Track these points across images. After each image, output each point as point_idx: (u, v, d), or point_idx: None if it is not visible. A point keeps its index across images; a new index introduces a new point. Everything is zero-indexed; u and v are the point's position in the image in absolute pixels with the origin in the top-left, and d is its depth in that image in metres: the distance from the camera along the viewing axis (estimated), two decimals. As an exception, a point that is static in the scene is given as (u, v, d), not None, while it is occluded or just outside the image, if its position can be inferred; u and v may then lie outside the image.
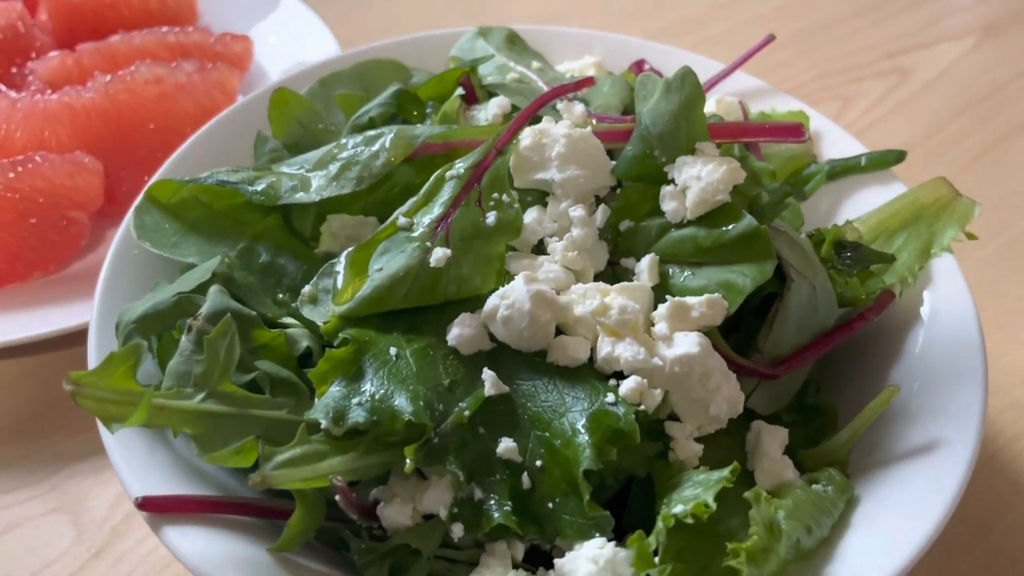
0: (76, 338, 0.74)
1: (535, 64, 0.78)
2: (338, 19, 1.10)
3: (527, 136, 0.61)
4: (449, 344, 0.55)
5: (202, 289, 0.55)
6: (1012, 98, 1.14)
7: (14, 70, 0.92)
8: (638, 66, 0.80)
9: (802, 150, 0.74)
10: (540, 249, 0.61)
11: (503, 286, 0.57)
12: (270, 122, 0.72)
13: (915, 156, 1.04)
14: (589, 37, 0.84)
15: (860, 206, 0.71)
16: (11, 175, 0.77)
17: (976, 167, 1.03)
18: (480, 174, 0.60)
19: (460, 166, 0.60)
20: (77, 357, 0.78)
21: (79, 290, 0.80)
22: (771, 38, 0.78)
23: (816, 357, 0.60)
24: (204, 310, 0.52)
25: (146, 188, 0.63)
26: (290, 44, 1.04)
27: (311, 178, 0.62)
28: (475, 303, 0.58)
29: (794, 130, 0.59)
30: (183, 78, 0.85)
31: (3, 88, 0.89)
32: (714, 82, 0.79)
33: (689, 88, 0.58)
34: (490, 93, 0.71)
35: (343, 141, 0.63)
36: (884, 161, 0.71)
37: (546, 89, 0.72)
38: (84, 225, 0.81)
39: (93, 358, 0.55)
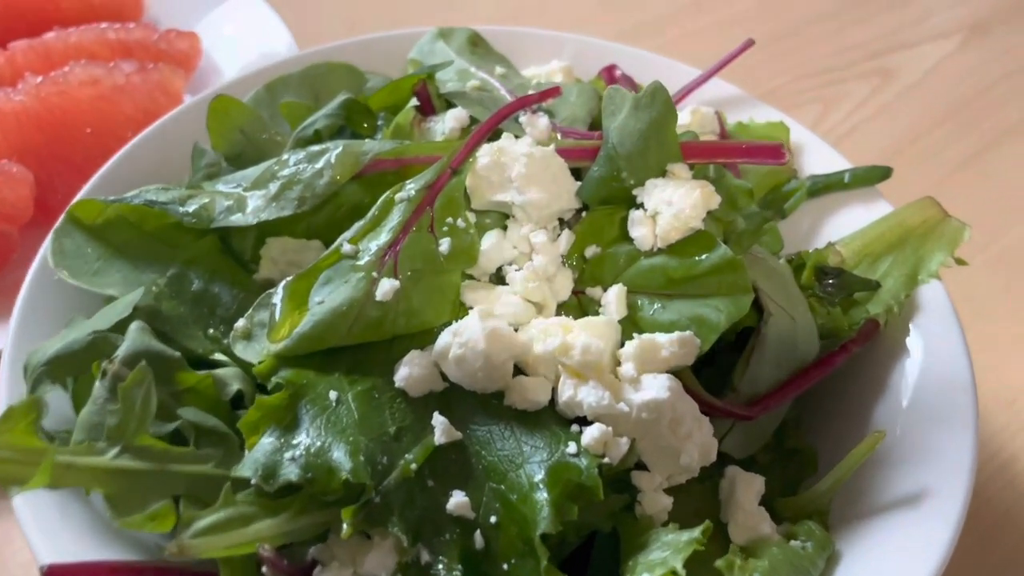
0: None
1: (499, 70, 0.72)
2: (295, 14, 1.04)
3: (485, 154, 0.56)
4: (397, 386, 0.50)
5: (122, 326, 0.50)
6: (999, 100, 1.10)
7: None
8: (608, 72, 0.75)
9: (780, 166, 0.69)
10: (499, 277, 0.56)
11: (457, 319, 0.53)
12: (209, 132, 0.66)
13: (900, 161, 0.99)
14: (558, 39, 0.79)
15: (843, 226, 0.66)
16: (-69, 186, 0.71)
17: (963, 173, 1.00)
18: (433, 196, 0.55)
19: (411, 187, 0.55)
20: None
21: (6, 310, 0.75)
22: (750, 43, 0.74)
23: (795, 395, 0.56)
24: (121, 352, 0.47)
25: (67, 208, 0.57)
26: (245, 40, 0.98)
27: (248, 198, 0.57)
28: (426, 338, 0.53)
29: (774, 151, 0.54)
30: (121, 79, 0.79)
31: (-73, 88, 0.82)
32: (689, 90, 0.74)
33: (660, 106, 0.53)
34: (448, 103, 0.66)
35: (284, 157, 0.58)
36: (869, 178, 0.67)
37: (509, 99, 0.67)
38: (12, 239, 0.75)
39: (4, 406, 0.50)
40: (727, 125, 0.71)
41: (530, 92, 0.68)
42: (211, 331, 0.54)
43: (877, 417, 0.58)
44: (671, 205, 0.53)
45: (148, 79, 0.80)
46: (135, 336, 0.49)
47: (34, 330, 0.55)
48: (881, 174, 0.67)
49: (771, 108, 0.73)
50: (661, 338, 0.50)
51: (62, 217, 0.57)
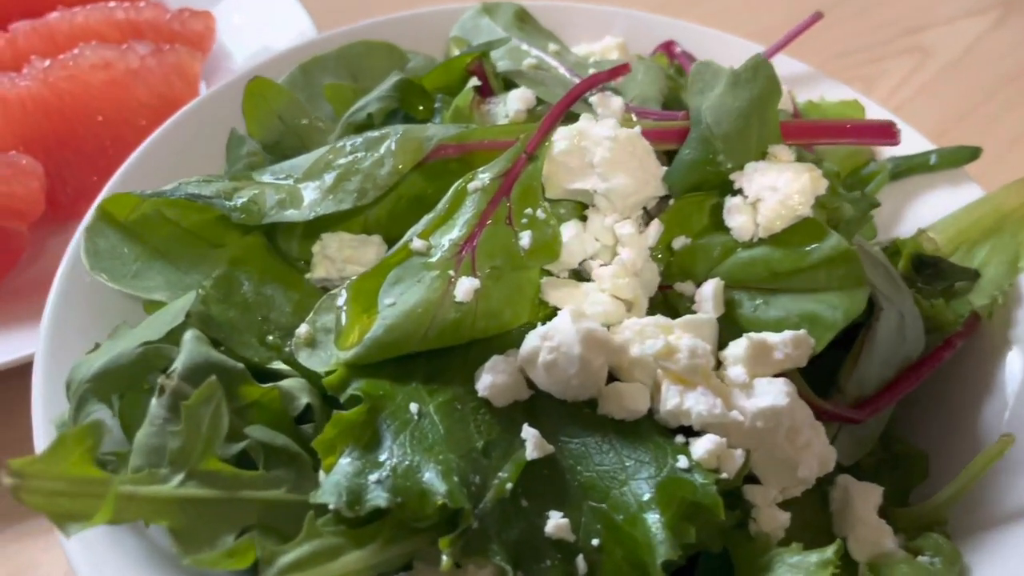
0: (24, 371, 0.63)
1: (551, 47, 0.67)
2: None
3: (563, 138, 0.51)
4: (479, 395, 0.45)
5: (174, 335, 0.44)
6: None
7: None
8: (667, 48, 0.70)
9: (859, 146, 0.64)
10: (579, 272, 0.51)
11: (539, 319, 0.48)
12: (245, 118, 0.61)
13: (948, 140, 0.96)
14: (608, 14, 0.74)
15: (930, 211, 0.62)
16: (-67, 180, 0.65)
17: (1017, 151, 0.96)
18: (509, 185, 0.49)
19: (484, 176, 0.49)
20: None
21: (20, 310, 0.69)
22: (818, 16, 0.69)
23: (903, 395, 0.52)
24: (179, 365, 0.42)
25: (98, 203, 0.52)
26: (256, 20, 0.92)
27: (302, 190, 0.52)
28: (506, 341, 0.48)
29: (886, 130, 0.49)
30: (135, 62, 0.73)
31: (-78, 74, 0.76)
32: (752, 66, 0.69)
33: (763, 81, 0.48)
34: (506, 82, 0.61)
35: (339, 144, 0.53)
36: (956, 158, 0.62)
37: (571, 77, 0.62)
38: (23, 236, 0.69)
39: (40, 432, 0.44)
40: (798, 105, 0.67)
41: (591, 70, 0.63)
42: (270, 338, 0.48)
43: (984, 417, 0.54)
44: (776, 191, 0.48)
45: (164, 62, 0.74)
46: (192, 346, 0.43)
47: (68, 340, 0.49)
48: (970, 154, 0.63)
49: (843, 85, 0.69)
50: (773, 338, 0.46)
51: (92, 213, 0.51)
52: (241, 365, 0.44)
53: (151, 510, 0.39)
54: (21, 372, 0.66)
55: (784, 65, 0.71)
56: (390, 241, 0.53)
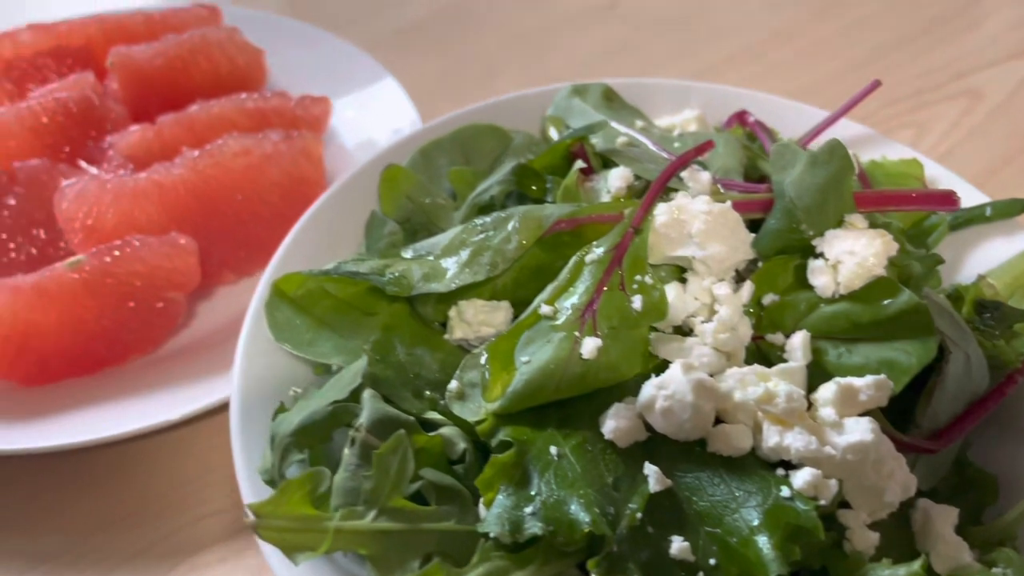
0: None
1: (638, 123, 0.76)
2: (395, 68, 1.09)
3: (663, 213, 0.60)
4: (606, 438, 0.54)
5: (354, 394, 0.53)
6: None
7: (90, 143, 0.90)
8: (740, 118, 0.78)
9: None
10: (681, 328, 0.59)
11: (650, 370, 0.56)
12: (381, 199, 0.70)
13: (996, 182, 1.03)
14: (684, 88, 0.82)
15: (986, 258, 0.69)
16: (107, 259, 0.76)
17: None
18: (620, 256, 0.58)
19: (599, 250, 0.58)
20: (174, 440, 0.77)
21: (177, 370, 0.79)
22: (876, 84, 0.76)
23: (972, 427, 0.59)
24: (364, 420, 0.51)
25: (272, 283, 0.61)
26: (355, 98, 1.02)
27: (443, 265, 0.61)
28: (623, 390, 0.56)
29: (947, 199, 0.57)
30: (270, 148, 0.83)
31: (84, 164, 0.87)
32: (818, 131, 0.77)
33: (838, 161, 0.56)
34: (604, 160, 0.70)
35: (471, 225, 0.62)
36: (1009, 210, 0.69)
37: (658, 151, 0.71)
38: (181, 304, 0.79)
39: (243, 477, 0.53)
40: (863, 166, 0.74)
41: (676, 144, 0.72)
42: (427, 392, 0.57)
43: (1048, 442, 0.60)
44: (853, 254, 0.56)
45: (293, 146, 0.84)
46: (372, 404, 0.52)
47: (252, 400, 0.59)
48: (1021, 206, 0.70)
49: (902, 145, 0.76)
50: (858, 382, 0.53)
51: (269, 292, 0.61)
52: (412, 418, 0.53)
53: (354, 541, 0.47)
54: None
55: (845, 128, 0.80)
56: (515, 305, 0.62)
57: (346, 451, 0.50)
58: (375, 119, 1.00)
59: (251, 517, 0.45)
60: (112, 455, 0.76)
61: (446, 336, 0.62)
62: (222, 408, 0.74)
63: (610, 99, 0.80)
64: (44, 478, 0.75)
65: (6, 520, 0.73)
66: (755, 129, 0.77)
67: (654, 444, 0.54)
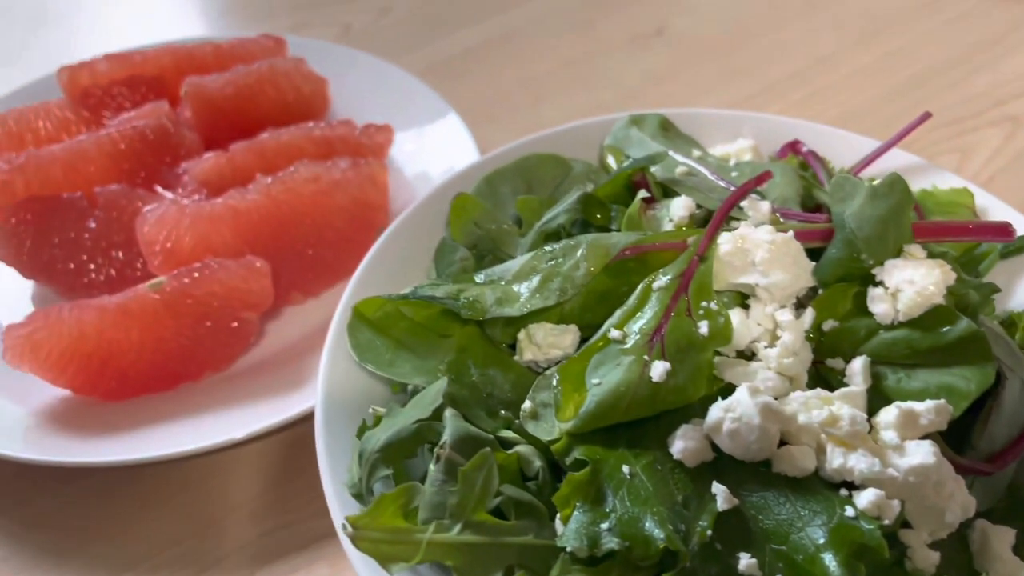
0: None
1: (695, 152, 0.79)
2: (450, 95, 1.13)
3: (727, 242, 0.62)
4: (675, 457, 0.56)
5: (436, 413, 0.57)
6: None
7: (164, 169, 0.94)
8: (793, 147, 0.81)
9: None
10: (743, 352, 0.62)
11: (714, 392, 0.59)
12: (451, 227, 0.73)
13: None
14: (738, 118, 0.85)
15: (1036, 286, 0.71)
16: (187, 281, 0.79)
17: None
18: (686, 283, 0.61)
19: (665, 277, 0.61)
20: (248, 453, 0.80)
21: (251, 386, 0.82)
22: (927, 116, 0.79)
23: (1027, 450, 0.61)
24: (447, 438, 0.54)
25: (352, 306, 0.65)
26: (411, 124, 1.05)
27: (514, 290, 0.64)
28: (689, 411, 0.59)
29: (1002, 230, 0.59)
30: (338, 174, 0.87)
31: (160, 189, 0.91)
32: (868, 161, 0.79)
33: (899, 195, 0.59)
34: (664, 189, 0.73)
35: (541, 251, 0.65)
36: (1061, 239, 0.71)
37: (716, 180, 0.73)
38: (254, 324, 0.83)
39: (331, 491, 0.56)
40: (915, 194, 0.76)
41: (733, 173, 0.75)
42: (503, 412, 0.60)
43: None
44: (913, 283, 0.58)
45: (360, 173, 0.88)
46: (453, 422, 0.55)
47: (334, 418, 0.62)
48: (1070, 235, 0.71)
49: (951, 174, 0.78)
50: (918, 406, 0.56)
51: (352, 315, 0.64)
52: (492, 436, 0.56)
53: (442, 553, 0.50)
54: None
55: (895, 157, 0.82)
56: (582, 328, 0.65)
57: (431, 467, 0.53)
58: (430, 143, 1.03)
59: (348, 528, 0.48)
60: (188, 467, 0.80)
61: (515, 357, 0.64)
62: (294, 423, 0.77)
63: (666, 129, 0.82)
64: (126, 489, 0.79)
65: (90, 529, 0.76)
66: (808, 158, 0.79)
67: (720, 464, 0.57)
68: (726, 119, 0.85)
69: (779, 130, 0.84)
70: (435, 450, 0.53)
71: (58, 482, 0.79)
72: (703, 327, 0.59)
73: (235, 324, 0.81)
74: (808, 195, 0.73)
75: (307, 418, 0.77)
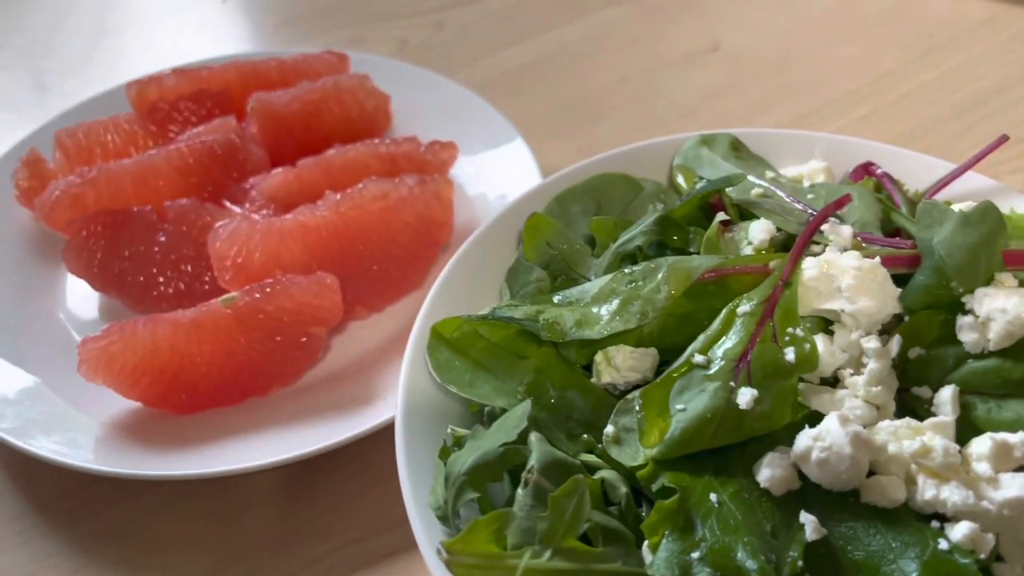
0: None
1: (768, 173, 0.78)
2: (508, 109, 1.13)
3: (812, 267, 0.62)
4: (762, 486, 0.56)
5: (521, 436, 0.56)
6: None
7: (231, 184, 0.95)
8: (867, 170, 0.80)
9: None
10: (825, 379, 0.61)
11: (798, 419, 0.58)
12: (524, 246, 0.73)
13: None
14: (809, 139, 0.84)
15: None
16: (258, 295, 0.80)
17: None
18: (771, 308, 0.60)
19: (750, 303, 0.60)
20: (313, 468, 0.80)
21: (317, 401, 0.83)
22: (1004, 138, 0.77)
23: (1120, 483, 0.59)
24: (535, 463, 0.54)
25: (431, 326, 0.65)
26: (469, 139, 1.05)
27: (594, 312, 0.63)
28: (774, 438, 0.58)
29: (1098, 259, 0.58)
30: (405, 191, 0.87)
31: (228, 204, 0.92)
32: (943, 184, 0.78)
33: (991, 223, 0.58)
34: (740, 210, 0.72)
35: (621, 273, 0.65)
36: None
37: (792, 203, 0.73)
38: (323, 339, 0.84)
39: (414, 513, 0.56)
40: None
41: (809, 195, 0.74)
42: (584, 436, 0.60)
43: None
44: (1005, 312, 0.57)
45: (426, 190, 0.88)
46: (539, 447, 0.55)
47: (414, 438, 0.62)
48: None
49: (1028, 197, 0.77)
50: (1012, 438, 0.55)
51: (430, 335, 0.64)
52: (578, 462, 0.56)
53: (532, 578, 0.50)
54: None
55: (970, 180, 0.81)
56: (660, 352, 0.64)
57: (519, 492, 0.53)
58: (489, 160, 1.04)
59: (443, 554, 0.48)
60: (255, 481, 0.80)
61: (592, 380, 0.64)
62: (359, 439, 0.77)
63: (737, 149, 0.82)
64: (194, 503, 0.79)
65: (159, 542, 0.77)
66: (883, 181, 0.78)
67: (807, 493, 0.56)
68: (796, 139, 0.84)
69: (850, 151, 0.83)
70: (523, 475, 0.53)
71: (129, 494, 0.80)
72: (789, 353, 0.58)
73: (304, 339, 0.82)
74: (886, 219, 0.72)
75: (374, 434, 0.78)
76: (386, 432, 0.78)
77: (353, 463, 0.81)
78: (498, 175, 1.02)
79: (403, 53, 1.35)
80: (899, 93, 1.25)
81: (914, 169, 0.81)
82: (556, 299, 0.66)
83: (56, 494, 0.80)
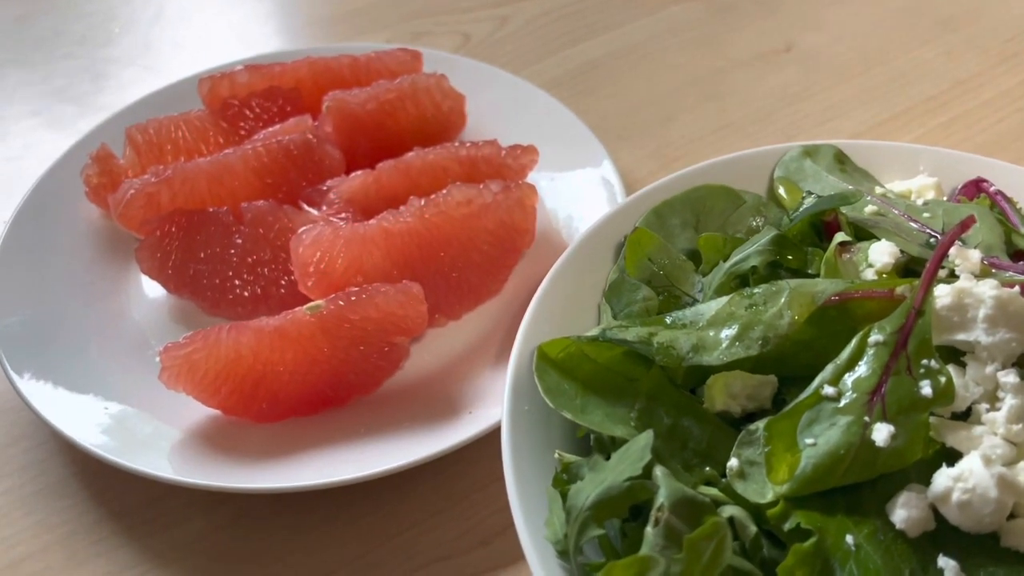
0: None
1: (877, 189, 0.75)
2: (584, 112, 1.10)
3: (946, 295, 0.59)
4: (897, 527, 0.53)
5: (646, 469, 0.54)
6: None
7: (305, 185, 0.93)
8: (978, 186, 0.77)
9: None
10: (956, 414, 0.58)
11: (929, 456, 0.55)
12: (627, 262, 0.70)
13: None
14: (914, 152, 0.81)
15: None
16: (342, 304, 0.78)
17: None
18: (905, 339, 0.57)
19: (882, 332, 0.57)
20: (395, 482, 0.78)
21: (396, 412, 0.81)
22: None
23: None
24: (664, 500, 0.51)
25: (538, 348, 0.62)
26: (545, 144, 1.02)
27: (711, 337, 0.61)
28: (904, 475, 0.55)
29: None
30: (489, 198, 0.85)
31: (305, 207, 0.90)
32: (1060, 201, 0.75)
33: None
34: (855, 229, 0.69)
35: (740, 296, 0.62)
36: None
37: (909, 223, 0.70)
38: (405, 349, 0.81)
39: (529, 546, 0.54)
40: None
41: (924, 214, 0.71)
42: (707, 468, 0.57)
43: None
44: None
45: (510, 196, 0.85)
46: (667, 482, 0.52)
47: (522, 465, 0.59)
48: None
49: None
50: None
51: (537, 357, 0.62)
52: (708, 499, 0.53)
53: (668, 622, 0.48)
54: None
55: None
56: (778, 380, 0.61)
57: (649, 530, 0.50)
58: (565, 163, 1.01)
59: (581, 599, 0.45)
60: (334, 495, 0.78)
61: (705, 406, 0.61)
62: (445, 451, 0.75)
63: (842, 162, 0.79)
64: (273, 515, 0.77)
65: (238, 555, 0.75)
66: (996, 199, 0.75)
67: (942, 535, 0.53)
68: (902, 152, 0.81)
69: (958, 166, 0.79)
70: (653, 513, 0.51)
71: (207, 505, 0.78)
72: (925, 387, 0.55)
73: (386, 349, 0.80)
74: (1008, 240, 0.69)
75: (461, 448, 0.76)
76: (470, 445, 0.76)
77: (438, 476, 0.79)
78: (575, 178, 0.99)
79: (467, 48, 1.32)
80: (980, 100, 1.21)
81: (1020, 184, 0.78)
82: (668, 320, 0.63)
83: (134, 503, 0.78)
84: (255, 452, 0.78)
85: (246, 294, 0.86)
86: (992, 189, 0.76)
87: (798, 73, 1.26)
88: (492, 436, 0.75)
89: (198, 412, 0.80)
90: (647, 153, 1.12)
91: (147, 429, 0.79)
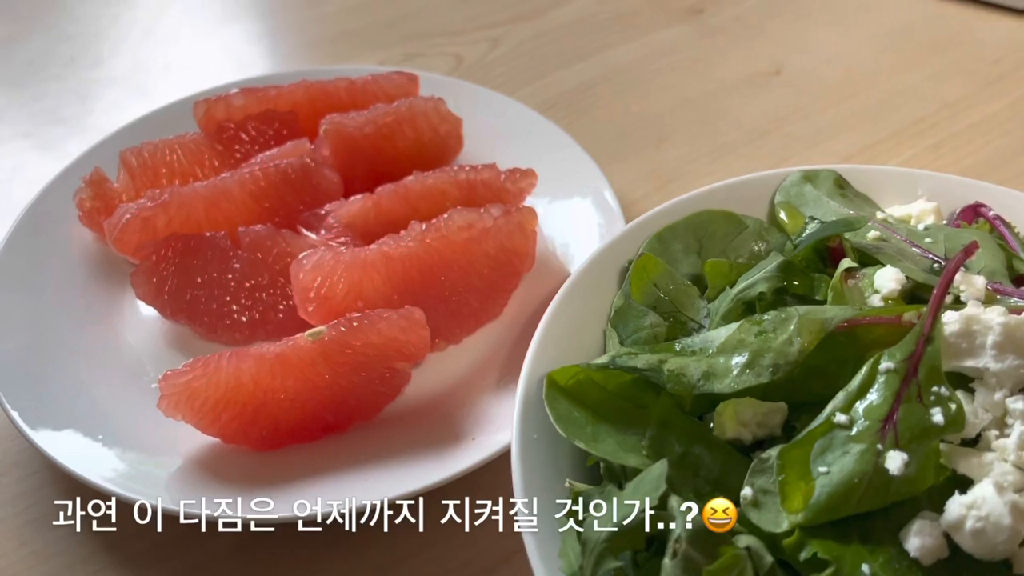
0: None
1: (878, 214, 0.76)
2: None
3: (955, 321, 0.59)
4: (911, 555, 0.53)
5: (661, 500, 0.53)
6: None
7: (302, 209, 0.92)
8: (976, 211, 0.77)
9: None
10: (965, 440, 0.58)
11: (940, 482, 0.55)
12: (632, 288, 0.70)
13: None
14: (912, 176, 0.81)
15: None
16: (344, 330, 0.77)
17: None
18: (915, 366, 0.57)
19: (893, 359, 0.58)
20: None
21: (392, 437, 0.80)
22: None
23: None
24: (681, 532, 0.51)
25: (547, 376, 0.62)
26: (541, 167, 1.02)
27: (721, 364, 0.61)
28: (916, 502, 0.55)
29: None
30: (490, 222, 0.85)
31: (303, 231, 0.89)
32: (1057, 226, 0.76)
33: None
34: (859, 254, 0.69)
35: (749, 322, 0.62)
36: None
37: (912, 248, 0.70)
38: (407, 374, 0.81)
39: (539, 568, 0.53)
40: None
41: (927, 239, 0.71)
42: (720, 497, 0.57)
43: None
44: None
45: (510, 221, 0.85)
46: (683, 513, 0.52)
47: (535, 492, 0.59)
48: None
49: None
50: None
51: (546, 385, 0.61)
52: (723, 532, 0.53)
53: (687, 658, 0.47)
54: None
55: (1085, 223, 0.78)
56: (788, 407, 0.61)
57: (667, 562, 0.50)
58: (561, 186, 1.01)
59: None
60: (339, 522, 0.77)
61: (715, 433, 0.61)
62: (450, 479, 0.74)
63: (841, 187, 0.79)
64: (273, 545, 0.76)
65: (242, 586, 0.74)
66: (995, 224, 0.76)
67: (956, 562, 0.53)
68: (900, 177, 0.81)
69: (956, 191, 0.80)
70: (671, 544, 0.50)
71: (206, 534, 0.76)
72: (936, 414, 0.56)
73: (388, 374, 0.79)
74: (1009, 265, 0.70)
75: (465, 476, 0.75)
76: (472, 472, 0.75)
77: (436, 505, 0.78)
78: (573, 201, 0.99)
79: (459, 70, 1.32)
80: (967, 123, 1.23)
81: (1018, 209, 0.79)
82: (677, 347, 0.63)
83: (130, 533, 0.77)
84: (254, 480, 0.76)
85: (244, 319, 0.85)
86: (991, 214, 0.76)
87: (788, 95, 1.27)
88: (494, 462, 0.75)
89: (196, 439, 0.79)
90: (641, 175, 1.13)
91: (143, 457, 0.78)
